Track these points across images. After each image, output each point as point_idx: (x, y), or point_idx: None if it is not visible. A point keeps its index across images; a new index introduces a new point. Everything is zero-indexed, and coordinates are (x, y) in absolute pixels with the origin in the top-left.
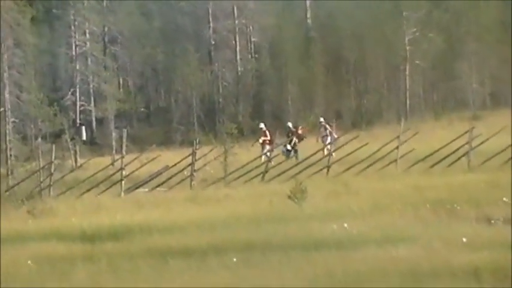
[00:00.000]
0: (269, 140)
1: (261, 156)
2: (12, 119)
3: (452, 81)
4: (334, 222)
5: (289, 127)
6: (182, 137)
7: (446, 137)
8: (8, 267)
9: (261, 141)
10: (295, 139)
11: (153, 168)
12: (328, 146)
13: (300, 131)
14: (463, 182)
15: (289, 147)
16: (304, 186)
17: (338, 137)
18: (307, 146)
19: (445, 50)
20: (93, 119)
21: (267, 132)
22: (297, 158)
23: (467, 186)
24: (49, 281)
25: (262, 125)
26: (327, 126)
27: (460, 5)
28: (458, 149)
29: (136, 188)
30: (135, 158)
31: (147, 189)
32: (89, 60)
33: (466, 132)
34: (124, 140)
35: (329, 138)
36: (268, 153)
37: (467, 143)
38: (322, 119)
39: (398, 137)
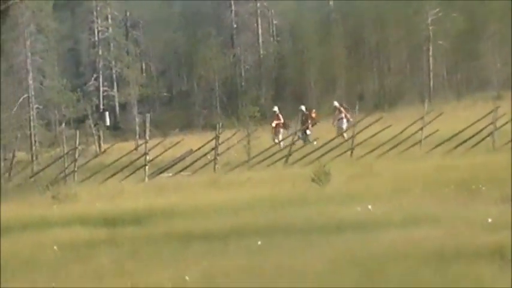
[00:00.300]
0: (283, 124)
1: (279, 143)
2: (36, 105)
3: (475, 61)
4: (358, 205)
5: (302, 110)
6: (205, 121)
7: (469, 117)
8: (33, 252)
9: (273, 124)
10: (309, 122)
11: (176, 152)
12: (345, 130)
13: (313, 115)
14: (488, 162)
15: (308, 131)
16: (327, 169)
17: (355, 121)
18: (325, 130)
19: (468, 30)
20: (116, 104)
21: (280, 116)
22: (309, 141)
23: (492, 166)
24: (73, 265)
25: (275, 108)
26: (342, 109)
27: None
28: (482, 130)
29: (160, 172)
30: (159, 143)
31: (170, 174)
32: (111, 45)
33: (490, 113)
34: (147, 124)
35: (344, 121)
36: (282, 143)
37: (491, 123)
38: (336, 103)
39: (422, 118)
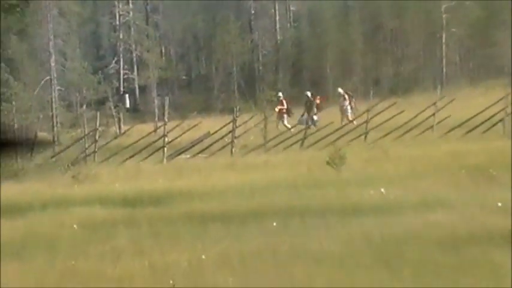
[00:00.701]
0: (286, 109)
1: (290, 129)
2: (58, 87)
3: (488, 48)
4: (372, 188)
5: (307, 96)
6: (222, 105)
7: (482, 103)
8: (54, 230)
9: (277, 109)
10: (314, 108)
11: (194, 135)
12: (349, 116)
13: (318, 100)
14: (499, 147)
15: (316, 117)
16: (342, 152)
17: (369, 106)
18: (336, 115)
19: (481, 18)
20: (136, 86)
21: (284, 102)
22: (315, 125)
23: (503, 151)
24: (92, 244)
25: (280, 94)
26: (346, 96)
27: None
28: (494, 116)
29: (178, 154)
30: (177, 125)
31: (188, 156)
32: (132, 29)
33: (501, 99)
34: (166, 107)
35: (349, 108)
36: (286, 124)
37: (502, 109)
38: (340, 90)
39: (435, 103)
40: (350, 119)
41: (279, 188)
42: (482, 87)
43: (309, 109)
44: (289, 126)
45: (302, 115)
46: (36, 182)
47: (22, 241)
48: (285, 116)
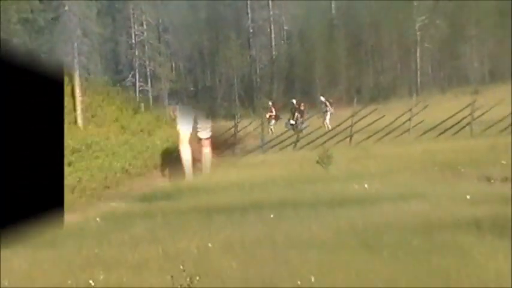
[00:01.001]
0: (275, 115)
1: (288, 131)
2: None
3: (456, 60)
4: (356, 183)
5: (292, 103)
6: (225, 112)
7: (451, 109)
8: (79, 223)
9: (267, 116)
10: (297, 114)
11: None
12: (327, 121)
13: (302, 107)
14: (467, 147)
15: (292, 121)
16: (330, 152)
17: (354, 112)
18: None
19: (450, 34)
20: (150, 97)
21: (273, 109)
22: (301, 130)
23: (470, 150)
24: (113, 234)
25: (270, 103)
26: (327, 103)
27: None
28: (462, 120)
29: None
30: None
31: None
32: (146, 47)
33: (468, 105)
34: None
35: (329, 113)
36: (272, 128)
37: (469, 114)
38: (322, 98)
39: (411, 109)
40: (326, 123)
41: (275, 183)
42: (451, 94)
43: (294, 115)
44: (272, 129)
45: (288, 119)
46: None
47: (53, 232)
48: (273, 120)
